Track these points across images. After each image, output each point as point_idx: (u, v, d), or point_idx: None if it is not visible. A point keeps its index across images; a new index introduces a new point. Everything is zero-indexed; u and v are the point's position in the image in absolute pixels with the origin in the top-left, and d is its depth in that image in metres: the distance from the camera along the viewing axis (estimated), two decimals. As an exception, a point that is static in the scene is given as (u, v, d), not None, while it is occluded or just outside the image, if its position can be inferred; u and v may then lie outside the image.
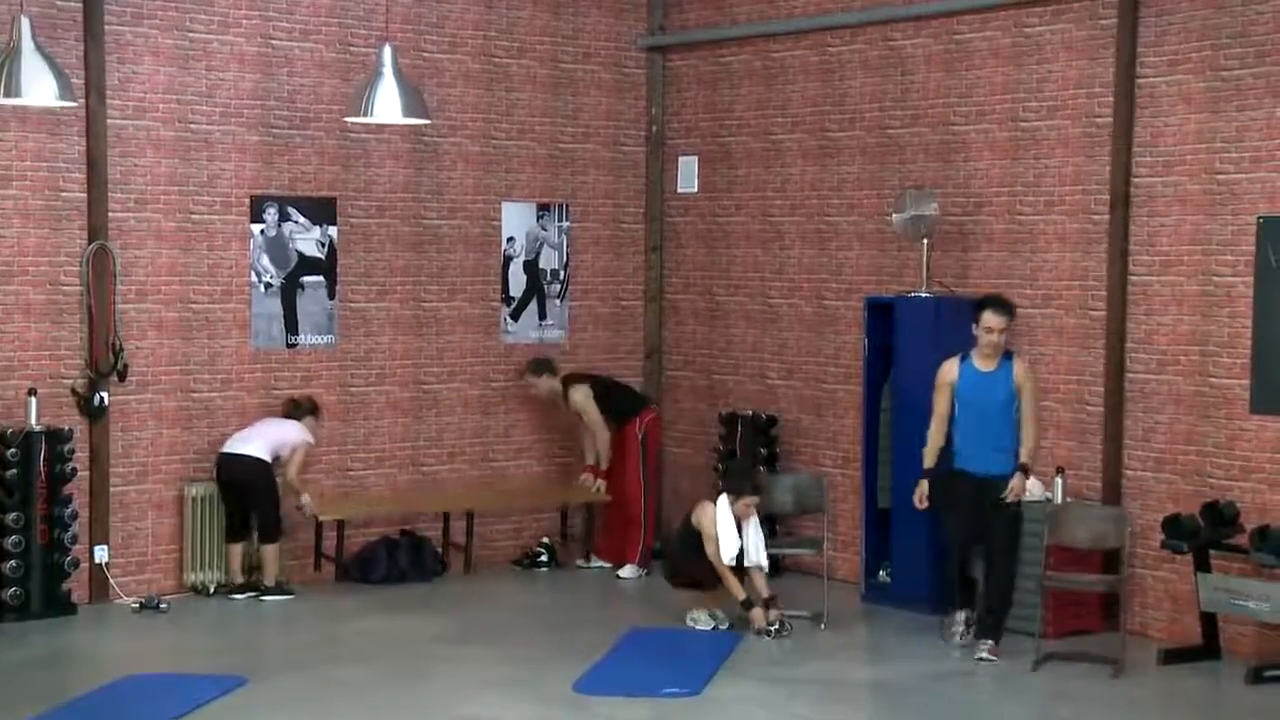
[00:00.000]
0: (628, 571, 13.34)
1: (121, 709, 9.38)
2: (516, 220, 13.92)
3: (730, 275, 14.08)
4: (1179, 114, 11.13)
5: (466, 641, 10.99)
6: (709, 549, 11.24)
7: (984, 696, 9.78)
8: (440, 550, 13.32)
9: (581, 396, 13.49)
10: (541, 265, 14.09)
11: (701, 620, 11.53)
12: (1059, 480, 11.44)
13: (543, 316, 14.11)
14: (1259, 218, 10.71)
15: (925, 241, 12.16)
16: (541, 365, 13.64)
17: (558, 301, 14.19)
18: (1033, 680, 10.19)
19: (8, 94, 10.68)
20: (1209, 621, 10.74)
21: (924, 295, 12.12)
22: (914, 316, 12.08)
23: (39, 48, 10.77)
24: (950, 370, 10.94)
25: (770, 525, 12.94)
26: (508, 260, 13.92)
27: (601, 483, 13.55)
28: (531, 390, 13.67)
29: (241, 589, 12.34)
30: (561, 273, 14.20)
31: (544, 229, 14.09)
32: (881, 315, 12.36)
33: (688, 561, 11.43)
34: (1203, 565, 10.64)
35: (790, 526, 13.13)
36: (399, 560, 13.11)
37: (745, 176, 13.93)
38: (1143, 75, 11.30)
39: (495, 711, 9.29)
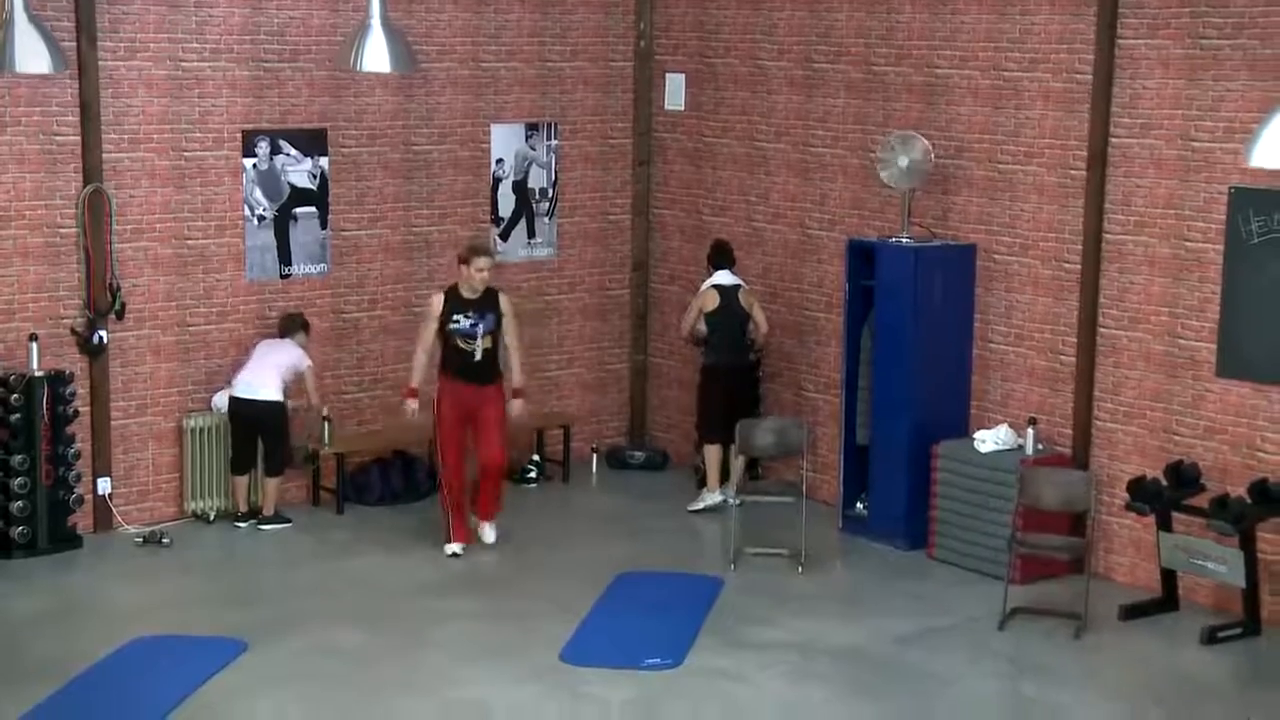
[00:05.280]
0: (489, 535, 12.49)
1: (127, 685, 9.80)
2: (505, 142, 14.09)
3: (716, 195, 14.29)
4: (1157, 78, 11.28)
5: (456, 593, 11.41)
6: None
7: (952, 666, 10.21)
8: (431, 468, 13.74)
9: (513, 304, 12.33)
10: (530, 185, 14.29)
11: (711, 499, 13.10)
12: (1030, 430, 11.82)
13: (531, 235, 14.35)
14: (1231, 187, 10.93)
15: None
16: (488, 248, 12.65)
17: (546, 219, 14.41)
18: (999, 642, 10.65)
19: (3, 66, 10.87)
20: (1169, 575, 11.21)
21: (905, 241, 12.36)
22: (895, 262, 12.32)
23: (32, 18, 10.91)
24: None
25: (753, 466, 13.44)
26: (497, 182, 14.12)
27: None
28: (481, 273, 12.02)
29: (244, 517, 12.78)
30: (550, 191, 14.41)
31: (532, 149, 14.26)
32: (863, 255, 12.61)
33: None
34: (1165, 525, 11.07)
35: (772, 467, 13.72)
36: (392, 481, 13.54)
37: (732, 99, 14.07)
38: (1123, 36, 11.42)
39: (484, 691, 9.74)
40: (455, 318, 11.95)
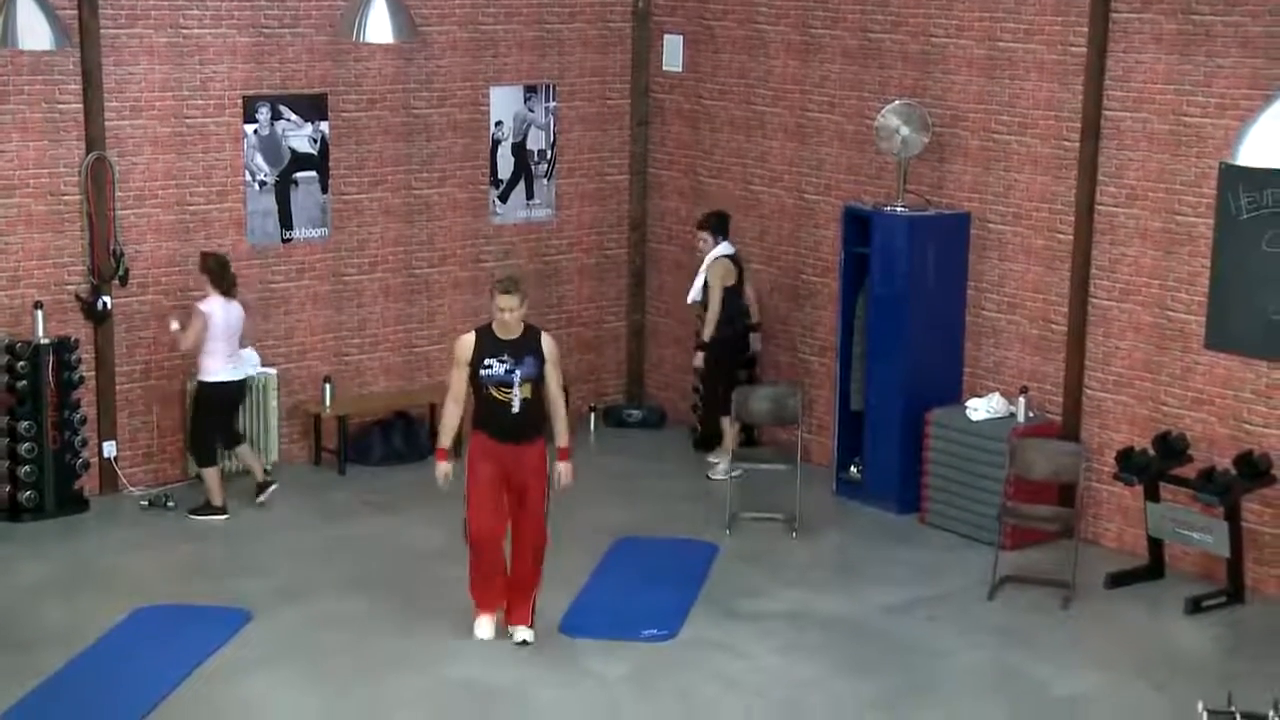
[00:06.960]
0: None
1: (133, 660, 9.98)
2: (504, 104, 14.19)
3: (713, 157, 14.40)
4: (1150, 52, 11.38)
5: (457, 559, 11.44)
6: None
7: (943, 637, 10.43)
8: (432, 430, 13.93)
9: (556, 347, 10.34)
10: (529, 146, 14.40)
11: (720, 468, 13.14)
12: (1022, 399, 11.99)
13: (530, 196, 14.47)
14: (1221, 163, 11.05)
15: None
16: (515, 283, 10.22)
17: (545, 181, 14.53)
18: (987, 613, 10.86)
19: (5, 42, 11.01)
20: (1156, 543, 11.42)
21: (900, 210, 12.49)
22: (890, 230, 12.45)
23: (35, -5, 11.06)
24: None
25: (749, 434, 13.62)
26: (496, 144, 14.22)
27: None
28: (504, 313, 9.98)
29: (223, 510, 12.47)
30: (549, 152, 14.52)
31: (531, 110, 14.36)
32: (859, 222, 12.74)
33: None
34: (1152, 495, 11.26)
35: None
36: (393, 442, 13.73)
37: (729, 62, 14.15)
38: (1117, 10, 11.51)
39: (483, 669, 9.92)
40: (488, 362, 9.88)
